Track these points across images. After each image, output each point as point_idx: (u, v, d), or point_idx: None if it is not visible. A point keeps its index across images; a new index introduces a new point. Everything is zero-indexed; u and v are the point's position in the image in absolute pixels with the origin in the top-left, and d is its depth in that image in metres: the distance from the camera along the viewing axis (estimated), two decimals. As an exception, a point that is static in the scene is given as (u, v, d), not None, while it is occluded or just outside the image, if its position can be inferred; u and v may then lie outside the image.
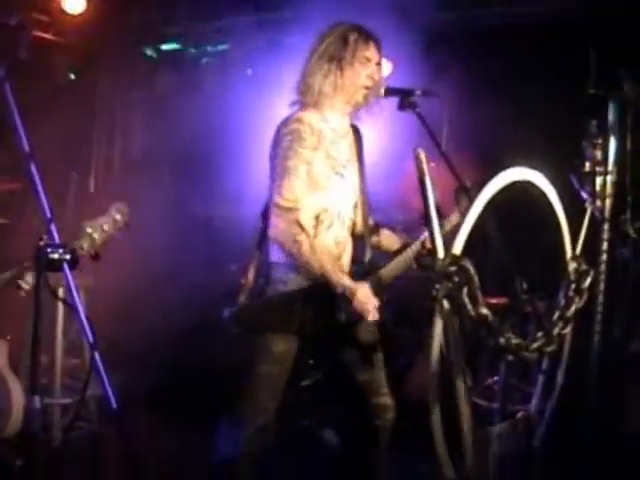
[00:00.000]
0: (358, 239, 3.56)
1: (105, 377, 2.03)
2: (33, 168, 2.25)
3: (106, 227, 3.19)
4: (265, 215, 3.36)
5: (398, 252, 3.57)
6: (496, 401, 4.12)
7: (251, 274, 3.43)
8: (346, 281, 3.25)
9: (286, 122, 3.34)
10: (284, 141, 3.29)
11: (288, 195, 3.23)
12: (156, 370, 5.72)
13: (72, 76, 7.12)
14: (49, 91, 6.36)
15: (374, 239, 3.65)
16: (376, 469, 3.54)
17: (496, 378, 4.66)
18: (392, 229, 3.76)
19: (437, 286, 2.76)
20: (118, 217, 3.25)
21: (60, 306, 5.03)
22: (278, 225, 3.23)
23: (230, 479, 3.35)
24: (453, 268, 2.75)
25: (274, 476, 4.21)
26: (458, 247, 2.79)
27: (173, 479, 4.52)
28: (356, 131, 3.56)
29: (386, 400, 3.50)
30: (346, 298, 3.24)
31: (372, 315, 3.24)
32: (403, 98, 3.30)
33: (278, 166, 3.28)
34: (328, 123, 3.38)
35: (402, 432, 3.57)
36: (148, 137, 7.22)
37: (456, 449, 2.81)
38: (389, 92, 3.38)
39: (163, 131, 6.55)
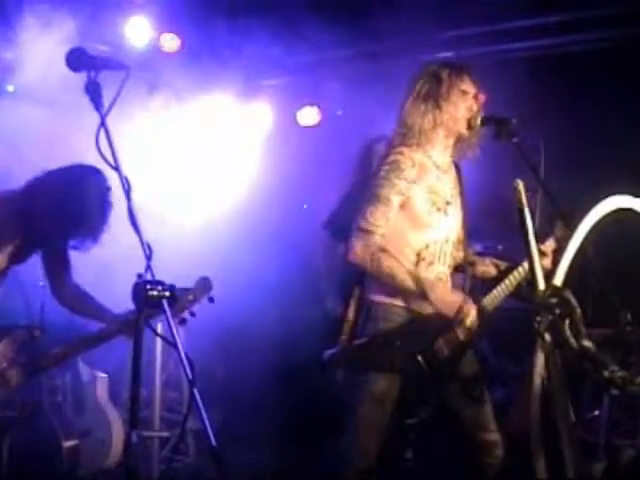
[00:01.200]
0: (458, 271, 3.53)
1: (204, 414, 2.03)
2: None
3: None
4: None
5: (499, 280, 3.50)
6: (600, 436, 3.99)
7: (351, 312, 3.40)
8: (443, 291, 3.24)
9: (386, 155, 3.34)
10: (381, 171, 3.29)
11: (371, 219, 3.22)
12: (256, 407, 5.71)
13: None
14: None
15: (475, 269, 3.61)
16: None
17: (598, 412, 4.52)
18: (492, 256, 3.71)
19: (538, 318, 2.69)
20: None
21: (159, 340, 5.11)
22: (356, 246, 3.23)
23: None
24: (554, 300, 2.67)
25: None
26: (559, 278, 2.72)
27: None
28: (456, 167, 3.54)
29: (494, 436, 3.43)
30: (445, 327, 3.19)
31: (470, 320, 3.23)
32: (499, 127, 3.27)
33: (368, 194, 3.28)
34: (431, 159, 3.36)
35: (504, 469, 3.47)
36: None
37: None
38: (485, 122, 3.35)
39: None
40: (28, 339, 3.64)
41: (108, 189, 3.50)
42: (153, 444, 5.10)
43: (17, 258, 3.66)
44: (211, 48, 5.50)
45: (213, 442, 2.01)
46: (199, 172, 5.98)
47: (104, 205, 3.51)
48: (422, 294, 3.22)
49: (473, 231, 3.62)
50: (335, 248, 4.04)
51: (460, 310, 3.25)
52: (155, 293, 2.13)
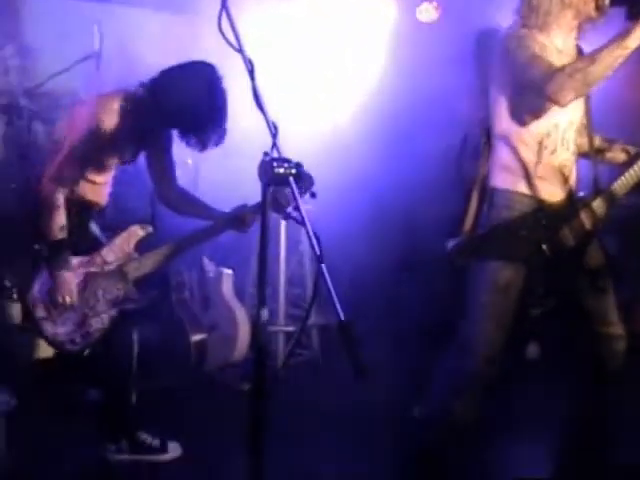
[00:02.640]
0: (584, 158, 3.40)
1: (332, 289, 2.03)
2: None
3: None
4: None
5: (629, 165, 3.35)
6: None
7: (474, 201, 3.34)
8: None
9: (509, 35, 3.19)
10: (512, 42, 3.14)
11: (543, 67, 3.03)
12: (376, 297, 5.75)
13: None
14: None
15: (603, 155, 3.46)
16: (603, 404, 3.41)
17: None
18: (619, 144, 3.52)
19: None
20: None
21: (283, 237, 5.18)
22: (564, 85, 2.98)
23: (452, 411, 3.31)
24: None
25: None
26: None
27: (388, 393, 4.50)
28: (579, 50, 3.36)
29: (616, 329, 3.34)
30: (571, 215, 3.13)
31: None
32: (632, 7, 3.10)
33: (525, 58, 3.09)
34: (553, 43, 3.20)
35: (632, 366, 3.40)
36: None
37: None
38: (615, 1, 3.17)
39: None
40: (142, 235, 3.72)
41: (220, 79, 3.53)
42: (278, 339, 5.21)
43: (126, 157, 3.73)
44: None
45: (342, 316, 2.01)
46: (320, 70, 5.88)
47: (219, 96, 3.53)
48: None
49: (601, 125, 3.48)
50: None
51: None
52: (282, 170, 2.13)
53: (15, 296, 4.10)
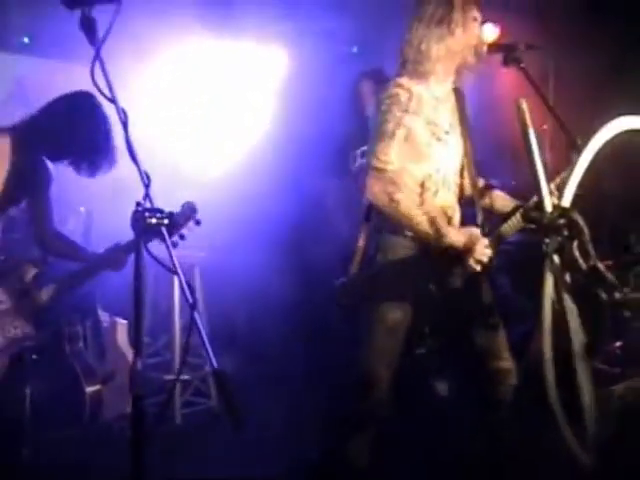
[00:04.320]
0: (468, 203, 3.48)
1: (205, 336, 2.03)
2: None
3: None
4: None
5: (512, 213, 3.37)
6: (615, 365, 3.96)
7: (361, 243, 3.38)
8: (454, 234, 3.18)
9: (387, 87, 3.29)
10: (383, 105, 3.24)
11: (382, 157, 3.16)
12: (270, 339, 5.74)
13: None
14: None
15: (485, 201, 3.54)
16: (496, 437, 3.46)
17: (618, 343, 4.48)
18: (503, 191, 3.63)
19: (546, 240, 2.67)
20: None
21: (176, 284, 5.14)
22: (373, 186, 3.16)
23: (344, 448, 3.32)
24: (562, 221, 2.64)
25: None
26: (567, 199, 2.68)
27: (282, 438, 4.49)
28: (458, 93, 3.47)
29: (507, 364, 3.38)
30: (458, 258, 3.17)
31: (480, 251, 3.18)
32: (507, 54, 3.23)
33: (376, 131, 3.23)
34: (430, 89, 3.30)
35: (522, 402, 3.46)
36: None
37: (578, 419, 2.70)
38: (493, 49, 3.30)
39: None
40: (35, 272, 3.70)
41: (100, 105, 3.54)
42: (175, 388, 5.14)
43: (12, 201, 3.69)
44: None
45: (214, 363, 2.01)
46: (214, 119, 5.93)
47: (102, 120, 3.56)
48: (437, 237, 3.15)
49: (487, 168, 3.57)
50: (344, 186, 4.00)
51: (470, 241, 3.19)
52: (154, 220, 2.13)
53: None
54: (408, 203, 3.15)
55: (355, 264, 3.36)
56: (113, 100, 2.31)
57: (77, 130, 3.54)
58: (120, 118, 2.30)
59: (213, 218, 3.83)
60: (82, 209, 5.22)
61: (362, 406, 3.28)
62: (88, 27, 2.47)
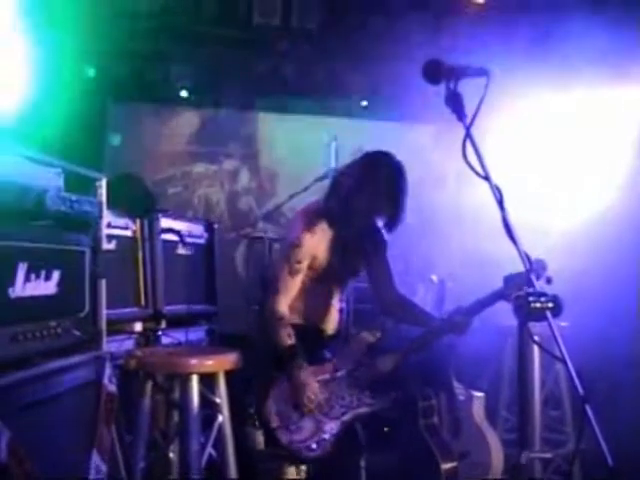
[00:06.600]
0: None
1: (599, 433, 1.86)
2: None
3: None
4: None
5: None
6: None
7: None
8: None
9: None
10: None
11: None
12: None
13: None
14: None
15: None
16: None
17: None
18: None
19: None
20: None
21: (536, 356, 4.95)
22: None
23: None
24: None
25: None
26: None
27: None
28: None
29: None
30: None
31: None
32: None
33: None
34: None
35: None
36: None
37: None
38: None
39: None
40: (371, 341, 3.80)
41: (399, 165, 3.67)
42: (534, 466, 4.92)
43: (356, 270, 3.92)
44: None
45: (609, 461, 1.83)
46: (566, 174, 5.70)
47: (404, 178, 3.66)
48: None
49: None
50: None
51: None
52: (538, 305, 2.02)
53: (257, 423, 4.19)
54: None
55: None
56: (487, 178, 2.25)
57: (388, 189, 3.65)
58: (495, 196, 2.23)
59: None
60: (434, 277, 5.22)
61: None
62: (455, 102, 2.45)
